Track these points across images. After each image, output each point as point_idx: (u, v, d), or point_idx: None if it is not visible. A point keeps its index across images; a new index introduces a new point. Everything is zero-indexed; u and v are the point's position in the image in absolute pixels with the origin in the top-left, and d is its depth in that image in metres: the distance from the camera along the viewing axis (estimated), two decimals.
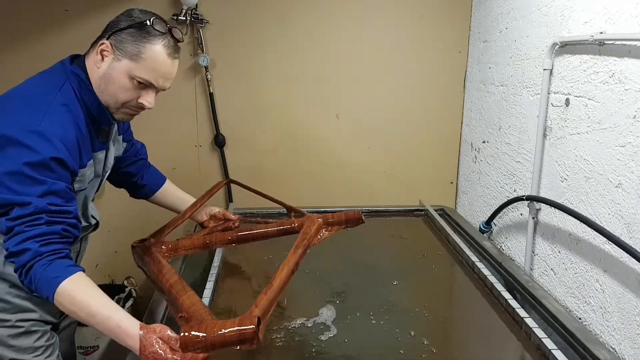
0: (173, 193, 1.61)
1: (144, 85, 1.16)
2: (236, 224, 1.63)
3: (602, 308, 1.31)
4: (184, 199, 1.61)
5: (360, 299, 1.39)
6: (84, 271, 1.04)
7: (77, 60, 1.21)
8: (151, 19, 1.15)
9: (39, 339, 1.25)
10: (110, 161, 1.34)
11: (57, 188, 1.05)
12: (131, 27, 1.14)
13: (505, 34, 1.88)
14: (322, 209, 1.95)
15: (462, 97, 2.31)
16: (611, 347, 1.26)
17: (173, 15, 2.11)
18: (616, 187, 1.25)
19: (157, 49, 1.14)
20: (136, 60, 1.13)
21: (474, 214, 2.21)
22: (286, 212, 1.74)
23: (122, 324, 0.98)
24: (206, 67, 2.15)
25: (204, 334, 0.90)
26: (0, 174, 1.02)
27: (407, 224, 2.01)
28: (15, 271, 1.03)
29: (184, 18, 2.09)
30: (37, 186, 1.02)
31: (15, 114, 1.07)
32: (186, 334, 0.91)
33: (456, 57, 2.27)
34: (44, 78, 1.18)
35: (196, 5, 2.08)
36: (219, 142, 2.26)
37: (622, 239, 1.21)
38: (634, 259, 1.16)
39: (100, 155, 1.27)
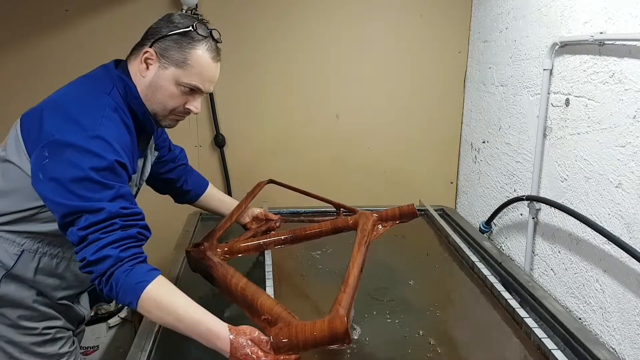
0: (216, 196, 1.61)
1: (191, 90, 1.15)
2: (277, 224, 1.62)
3: (602, 308, 1.31)
4: (226, 202, 1.61)
5: (375, 298, 1.40)
6: (161, 273, 1.02)
7: (121, 65, 1.19)
8: (194, 24, 1.13)
9: (63, 345, 1.25)
10: (148, 169, 1.33)
11: (124, 191, 1.02)
12: (174, 34, 1.12)
13: (505, 34, 1.88)
14: (322, 209, 1.94)
15: (462, 97, 2.31)
16: (611, 347, 1.26)
17: None
18: (616, 187, 1.25)
19: (202, 53, 1.13)
20: (183, 67, 1.12)
21: (474, 214, 2.21)
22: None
23: (212, 326, 0.96)
24: None
25: (296, 337, 0.92)
26: (65, 181, 0.98)
27: (407, 223, 2.00)
28: (93, 280, 0.99)
29: None
30: (107, 191, 0.99)
31: (71, 119, 1.03)
32: (279, 336, 0.92)
33: (456, 57, 2.27)
34: (89, 83, 1.15)
35: (196, 5, 2.08)
36: (219, 142, 2.26)
37: (622, 239, 1.21)
38: (634, 259, 1.16)
39: (140, 163, 1.26)
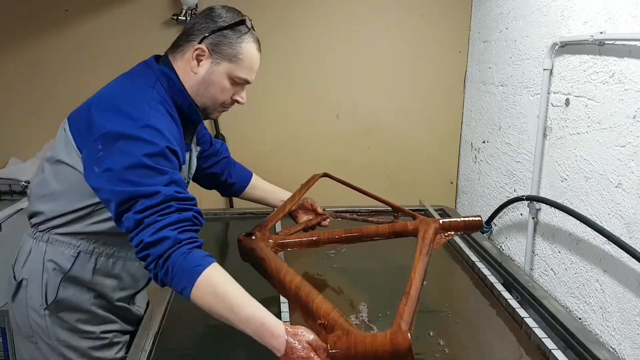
0: (261, 187, 1.61)
1: (240, 82, 1.18)
2: (327, 221, 1.59)
3: (602, 308, 1.31)
4: (272, 192, 1.61)
5: (389, 298, 1.39)
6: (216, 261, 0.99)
7: (162, 60, 1.20)
8: (244, 18, 1.16)
9: (119, 350, 1.26)
10: (194, 163, 1.33)
11: (177, 177, 1.03)
12: (224, 29, 1.14)
13: (505, 34, 1.88)
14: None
15: (462, 97, 2.31)
16: (611, 347, 1.26)
17: (173, 16, 2.11)
18: (616, 187, 1.25)
19: (251, 47, 1.17)
20: (235, 61, 1.15)
21: (474, 214, 2.21)
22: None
23: (267, 322, 0.93)
24: None
25: (355, 347, 0.88)
26: (119, 170, 0.98)
27: None
28: (148, 265, 0.97)
29: (184, 18, 2.09)
30: (161, 176, 0.99)
31: (120, 112, 1.04)
32: (336, 345, 0.89)
33: (456, 57, 2.27)
34: (132, 78, 1.16)
35: (196, 5, 2.08)
36: None
37: (622, 239, 1.20)
38: (634, 259, 1.15)
39: (187, 156, 1.26)
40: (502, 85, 1.92)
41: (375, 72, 2.27)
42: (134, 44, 2.18)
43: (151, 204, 0.96)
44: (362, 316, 1.29)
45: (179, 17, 2.09)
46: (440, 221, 1.31)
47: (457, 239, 1.73)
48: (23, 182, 2.03)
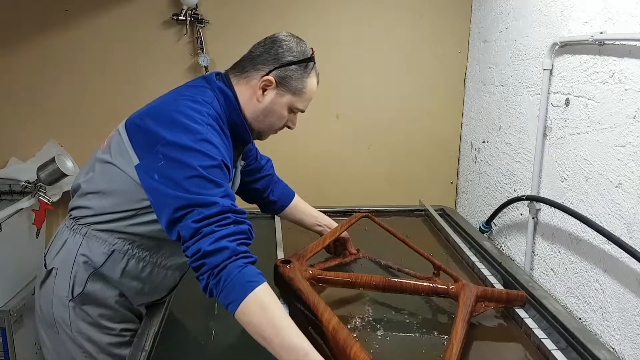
0: (302, 209, 1.62)
1: (296, 111, 1.26)
2: (356, 258, 1.62)
3: (602, 308, 1.31)
4: (310, 214, 1.62)
5: (394, 298, 1.40)
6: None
7: (221, 77, 1.22)
8: (312, 56, 1.21)
9: None
10: (238, 179, 1.36)
11: (230, 192, 1.06)
12: (294, 64, 1.19)
13: (505, 34, 1.88)
14: (323, 209, 1.92)
15: (462, 97, 2.31)
16: (611, 347, 1.26)
17: (173, 15, 2.11)
18: (616, 187, 1.25)
19: (313, 81, 1.23)
20: (298, 94, 1.21)
21: (474, 214, 2.21)
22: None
23: (311, 355, 0.90)
24: (206, 67, 2.15)
25: None
26: (179, 179, 1.01)
27: (407, 224, 2.00)
28: (202, 274, 0.98)
29: (184, 18, 2.10)
30: (217, 188, 1.02)
31: (180, 125, 1.07)
32: None
33: (456, 57, 2.27)
34: (192, 92, 1.18)
35: (196, 5, 2.08)
36: None
37: (622, 239, 1.20)
38: (634, 259, 1.16)
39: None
40: (502, 85, 1.92)
41: (375, 72, 2.27)
42: (134, 44, 2.18)
43: (209, 214, 0.98)
44: (367, 317, 1.29)
45: (179, 17, 2.09)
46: (480, 289, 1.30)
47: (457, 239, 1.73)
48: (23, 182, 2.03)
